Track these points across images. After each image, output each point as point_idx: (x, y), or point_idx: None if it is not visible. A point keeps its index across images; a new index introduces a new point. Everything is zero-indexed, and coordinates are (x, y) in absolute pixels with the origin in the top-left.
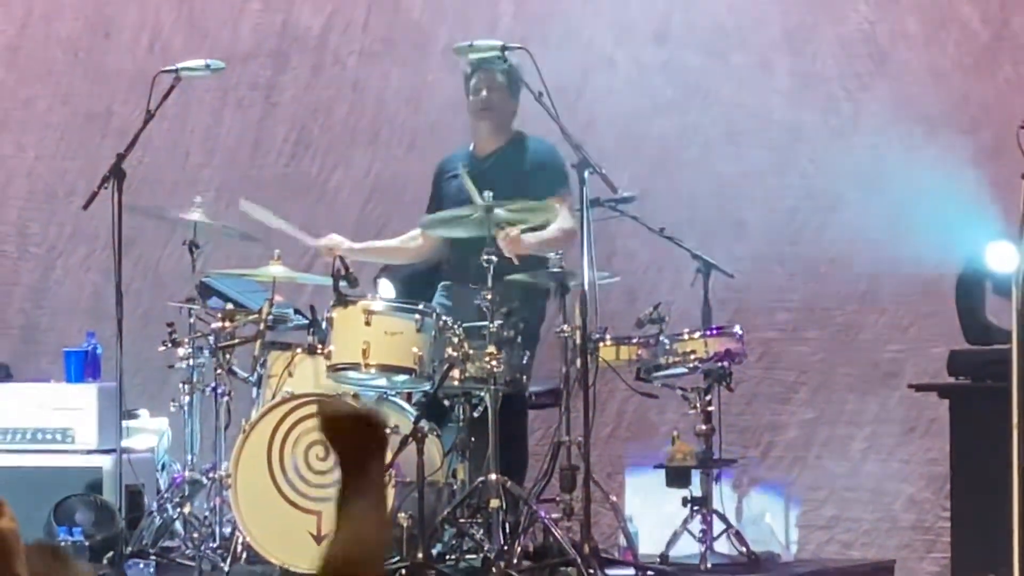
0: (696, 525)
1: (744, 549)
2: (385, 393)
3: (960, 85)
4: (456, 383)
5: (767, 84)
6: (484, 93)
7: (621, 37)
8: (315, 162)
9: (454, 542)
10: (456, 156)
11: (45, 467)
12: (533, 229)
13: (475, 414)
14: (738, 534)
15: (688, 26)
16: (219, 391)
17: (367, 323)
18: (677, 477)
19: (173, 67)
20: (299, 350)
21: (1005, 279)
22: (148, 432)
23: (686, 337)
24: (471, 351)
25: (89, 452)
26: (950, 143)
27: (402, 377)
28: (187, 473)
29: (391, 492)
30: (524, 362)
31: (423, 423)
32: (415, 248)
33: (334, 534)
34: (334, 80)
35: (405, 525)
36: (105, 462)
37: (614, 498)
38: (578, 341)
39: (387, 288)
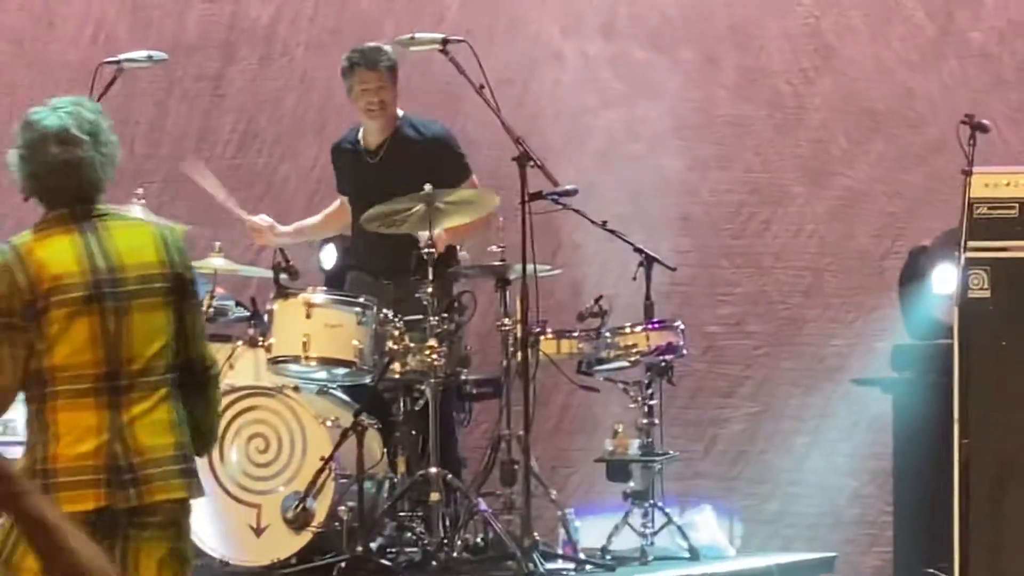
0: (637, 519)
1: (685, 543)
2: (325, 386)
3: (905, 80)
4: (397, 376)
5: (713, 78)
6: (375, 96)
7: (568, 30)
8: (262, 154)
9: (395, 535)
10: (345, 142)
11: None
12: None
13: (415, 407)
14: (679, 528)
15: (635, 20)
16: None
17: (308, 316)
18: (617, 471)
19: (115, 58)
20: (240, 343)
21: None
22: None
23: (627, 331)
24: (411, 344)
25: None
26: (895, 137)
27: (342, 370)
28: None
29: (330, 485)
30: (464, 355)
31: (363, 417)
32: (338, 218)
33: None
34: (282, 71)
35: (345, 518)
36: None
37: (555, 492)
38: (518, 334)
39: (330, 255)
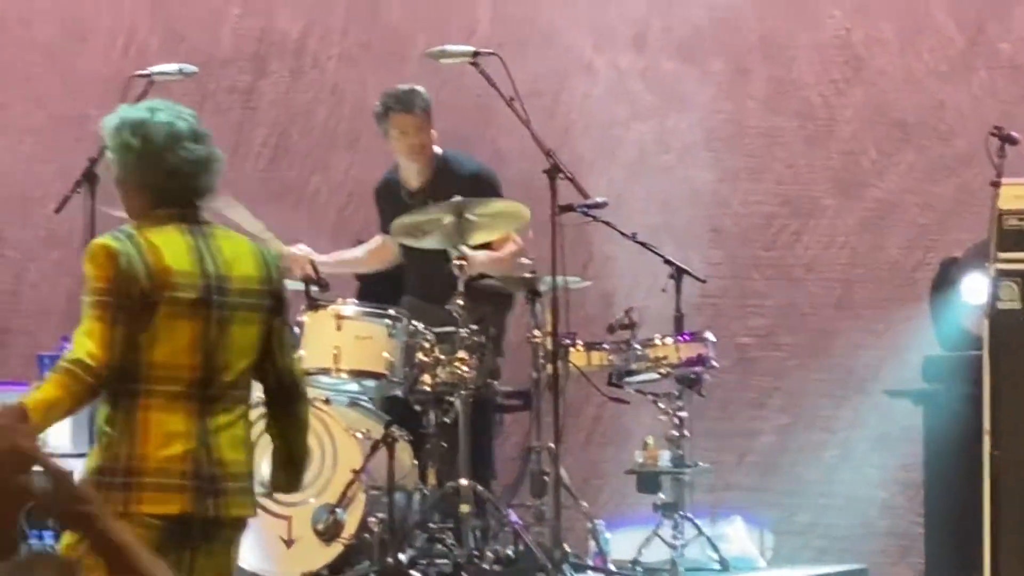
0: (667, 531)
1: (716, 555)
2: (356, 398)
3: (935, 91)
4: (427, 388)
5: (743, 90)
6: (412, 139)
7: (599, 43)
8: (294, 167)
9: (425, 547)
10: (389, 182)
11: None
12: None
13: (446, 419)
14: (709, 540)
15: (665, 32)
16: None
17: (338, 328)
18: (648, 483)
19: (146, 71)
20: None
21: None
22: None
23: (657, 343)
24: (442, 356)
25: (63, 456)
26: (925, 149)
27: (373, 382)
28: None
29: (361, 497)
30: (495, 368)
31: (394, 428)
32: (379, 255)
33: None
34: (313, 84)
35: (376, 530)
36: (78, 466)
37: (585, 504)
38: (548, 346)
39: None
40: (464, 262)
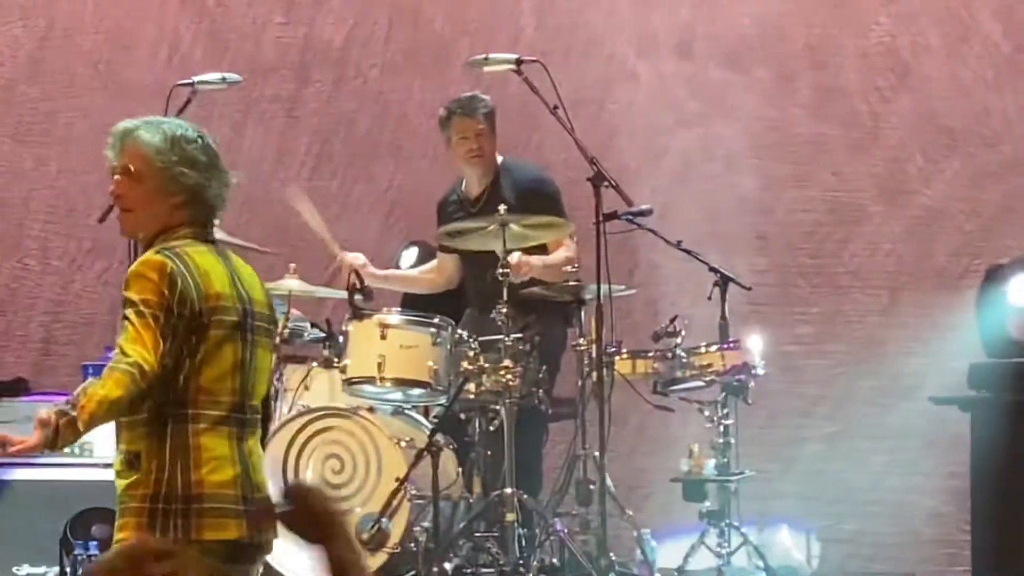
0: (713, 539)
1: (762, 563)
2: (400, 407)
3: (981, 98)
4: (472, 397)
5: (789, 97)
6: (472, 143)
7: (644, 50)
8: (337, 175)
9: (470, 556)
10: (450, 195)
11: (63, 480)
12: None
13: (491, 428)
14: (756, 548)
15: (711, 39)
16: None
17: (383, 337)
18: (693, 491)
19: (189, 80)
20: (315, 364)
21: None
22: None
23: (703, 350)
24: (486, 364)
25: (107, 466)
26: (971, 156)
27: (417, 391)
28: None
29: (406, 505)
30: (540, 376)
31: (438, 437)
32: (431, 279)
33: None
34: (356, 93)
35: (421, 539)
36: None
37: (630, 512)
38: (594, 354)
39: (411, 257)
40: (509, 270)
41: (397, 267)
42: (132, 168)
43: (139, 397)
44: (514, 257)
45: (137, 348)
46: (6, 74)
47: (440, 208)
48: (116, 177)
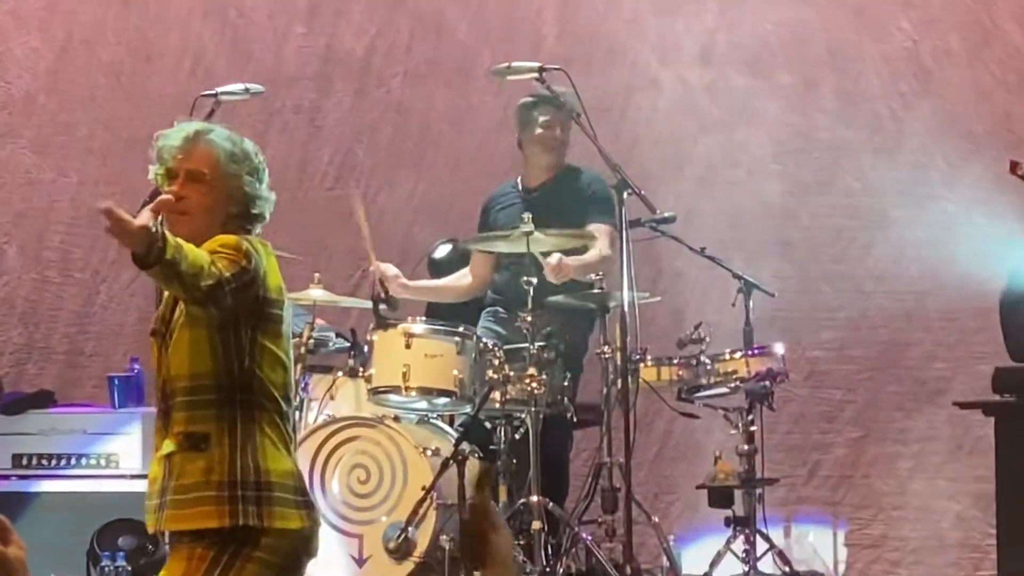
0: (739, 545)
1: (788, 569)
2: (426, 416)
3: (1003, 103)
4: (497, 405)
5: (812, 103)
6: (558, 131)
7: (665, 57)
8: (360, 185)
9: None
10: (504, 188)
11: (89, 492)
12: (570, 253)
13: (516, 436)
14: (782, 554)
15: (733, 46)
16: None
17: (407, 346)
18: (719, 497)
19: (212, 91)
20: (340, 373)
21: None
22: None
23: (727, 357)
24: (511, 373)
25: (133, 477)
26: (994, 160)
27: (443, 400)
28: None
29: (432, 514)
30: (566, 384)
31: (464, 445)
32: (465, 286)
33: None
34: (378, 103)
35: (447, 548)
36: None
37: (656, 519)
38: (618, 362)
39: (445, 251)
40: (549, 271)
41: (431, 260)
42: (203, 172)
43: (208, 289)
44: (554, 259)
45: (219, 262)
46: (25, 86)
47: (486, 206)
48: (175, 179)
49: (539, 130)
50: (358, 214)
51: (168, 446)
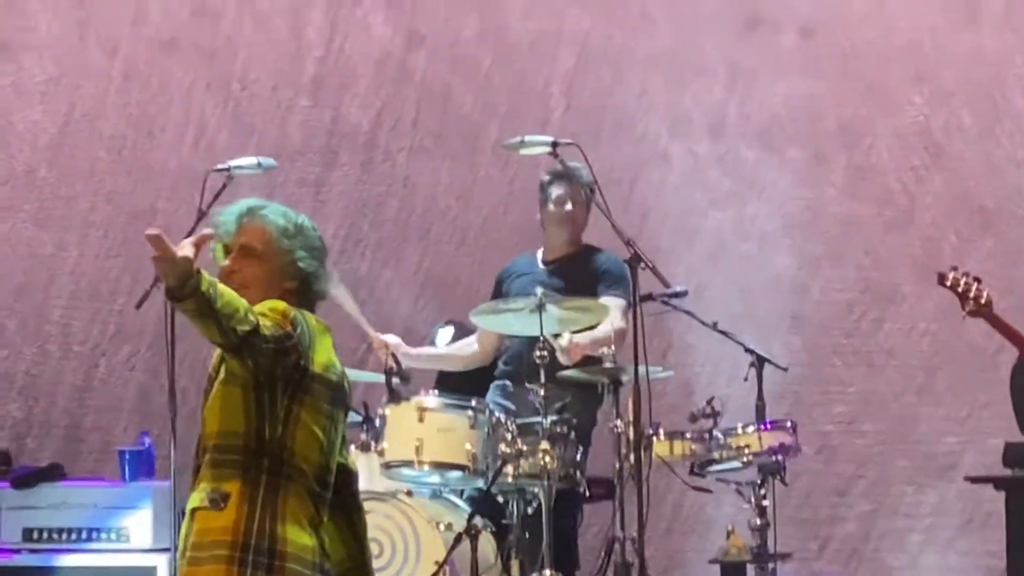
0: None
1: None
2: (438, 490)
3: (1014, 177)
4: (510, 479)
5: (823, 176)
6: (569, 207)
7: (675, 130)
8: (365, 258)
9: None
10: (522, 260)
11: (100, 567)
12: (581, 330)
13: (529, 510)
14: None
15: (743, 119)
16: None
17: (420, 420)
18: (732, 572)
19: (225, 166)
20: (352, 447)
21: None
22: None
23: (740, 431)
24: (524, 447)
25: (144, 551)
26: (1005, 234)
27: (456, 474)
28: None
29: None
30: (578, 458)
31: (477, 519)
32: (470, 355)
33: None
34: (384, 176)
35: None
36: (160, 561)
37: None
38: (631, 436)
39: (447, 335)
40: (562, 354)
41: (432, 346)
42: (255, 247)
43: (243, 334)
44: (564, 340)
45: (264, 321)
46: (26, 160)
47: (501, 276)
48: (230, 255)
49: (552, 207)
50: (337, 293)
51: (194, 500)
